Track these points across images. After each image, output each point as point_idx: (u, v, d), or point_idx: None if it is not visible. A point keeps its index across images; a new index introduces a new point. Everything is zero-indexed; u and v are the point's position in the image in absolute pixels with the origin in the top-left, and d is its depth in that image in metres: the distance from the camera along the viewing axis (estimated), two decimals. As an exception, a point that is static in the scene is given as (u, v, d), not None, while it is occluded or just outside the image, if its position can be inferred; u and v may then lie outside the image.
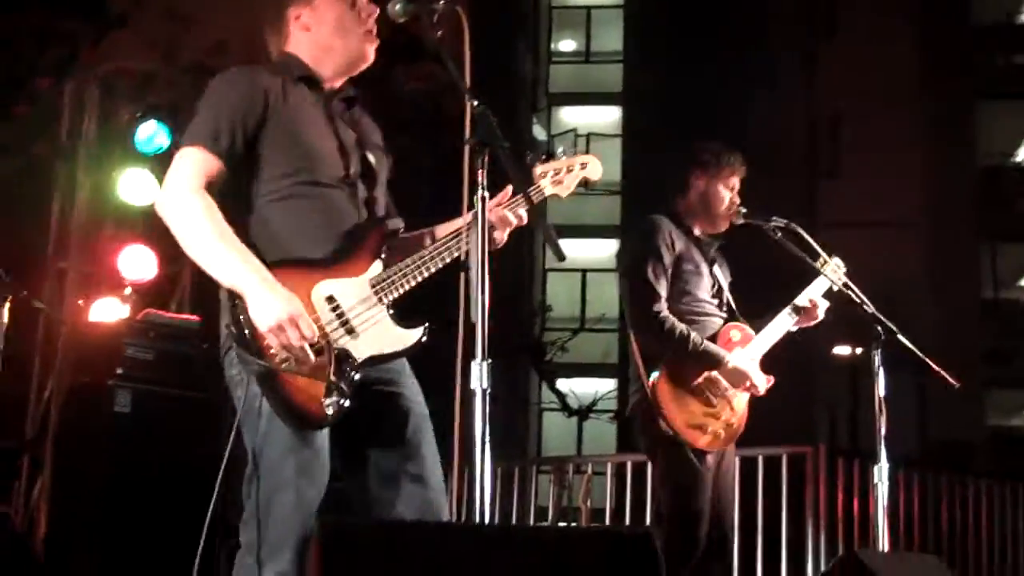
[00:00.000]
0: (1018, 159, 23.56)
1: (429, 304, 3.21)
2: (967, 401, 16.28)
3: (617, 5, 26.39)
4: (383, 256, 3.17)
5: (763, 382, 4.70)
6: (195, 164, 3.12)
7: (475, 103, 2.94)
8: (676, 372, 4.58)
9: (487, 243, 2.92)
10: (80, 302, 6.97)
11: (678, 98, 19.98)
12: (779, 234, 4.73)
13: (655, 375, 4.57)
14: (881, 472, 4.58)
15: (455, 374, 2.90)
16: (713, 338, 4.70)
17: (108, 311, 6.88)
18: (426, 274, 3.17)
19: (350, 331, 3.07)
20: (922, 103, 21.40)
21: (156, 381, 5.84)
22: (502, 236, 3.31)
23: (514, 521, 8.76)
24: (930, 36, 21.89)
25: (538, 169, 3.43)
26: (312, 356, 2.98)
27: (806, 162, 21.06)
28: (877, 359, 4.62)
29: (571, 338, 22.34)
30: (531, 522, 8.92)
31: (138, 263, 7.02)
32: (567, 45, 27.49)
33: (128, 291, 6.89)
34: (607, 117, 26.06)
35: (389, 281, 3.13)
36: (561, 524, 8.58)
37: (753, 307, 4.91)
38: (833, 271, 4.75)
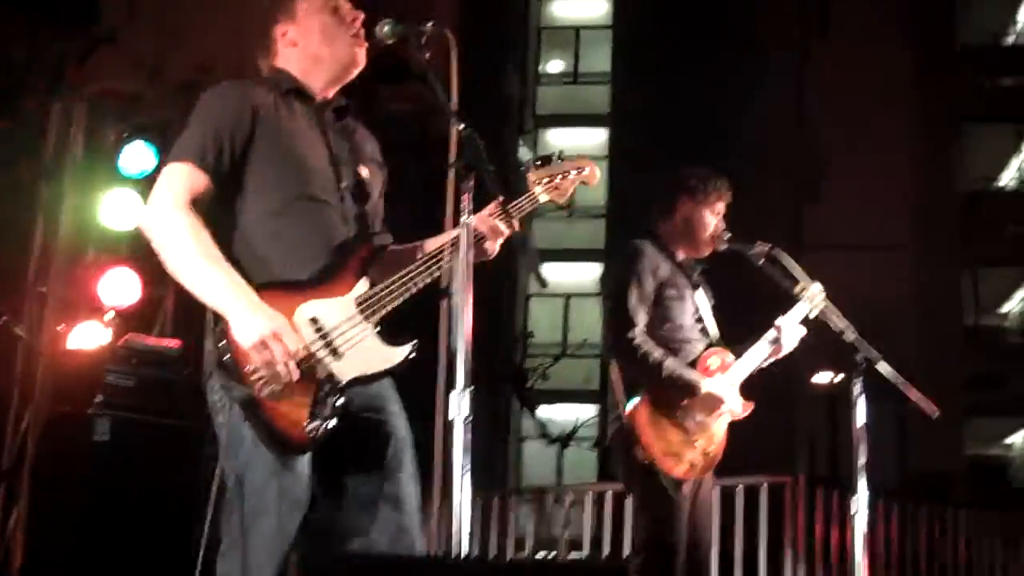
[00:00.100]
0: (1001, 183, 23.59)
1: (416, 324, 3.20)
2: (947, 429, 16.25)
3: (606, 26, 26.43)
4: (369, 274, 3.14)
5: (739, 406, 4.70)
6: (182, 180, 3.11)
7: (461, 126, 2.95)
8: (654, 400, 4.58)
9: (476, 257, 2.94)
10: (60, 327, 6.93)
11: (665, 120, 20.01)
12: (762, 260, 4.73)
13: (633, 403, 4.57)
14: (860, 502, 4.57)
15: (436, 403, 2.90)
16: (693, 364, 4.70)
17: (89, 336, 6.84)
18: (413, 290, 3.13)
19: (334, 352, 3.04)
20: (907, 126, 21.46)
21: (136, 408, 5.79)
22: (493, 247, 3.27)
23: (493, 552, 8.72)
24: (916, 59, 21.96)
25: (532, 175, 3.39)
26: (296, 374, 2.96)
27: (792, 186, 21.08)
28: (857, 387, 4.60)
29: (552, 364, 22.28)
30: (511, 553, 8.88)
31: (120, 287, 6.97)
32: (555, 66, 27.51)
33: (110, 315, 6.85)
34: (594, 139, 26.07)
35: (376, 299, 3.10)
36: (540, 555, 8.57)
37: (736, 331, 4.92)
38: (811, 298, 4.75)
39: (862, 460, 4.54)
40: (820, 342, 4.84)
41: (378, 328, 3.11)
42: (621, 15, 25.74)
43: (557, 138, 26.55)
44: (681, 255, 4.87)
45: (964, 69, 22.50)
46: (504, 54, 25.32)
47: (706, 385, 4.63)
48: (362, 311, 3.09)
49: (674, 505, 4.54)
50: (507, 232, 3.25)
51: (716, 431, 4.67)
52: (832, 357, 4.82)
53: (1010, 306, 23.26)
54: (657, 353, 4.60)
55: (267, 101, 3.24)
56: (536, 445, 23.47)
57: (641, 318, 4.65)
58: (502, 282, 22.35)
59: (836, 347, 4.63)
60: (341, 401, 3.03)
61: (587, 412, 21.79)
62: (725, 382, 4.68)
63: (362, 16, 3.31)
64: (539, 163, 3.41)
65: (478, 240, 3.18)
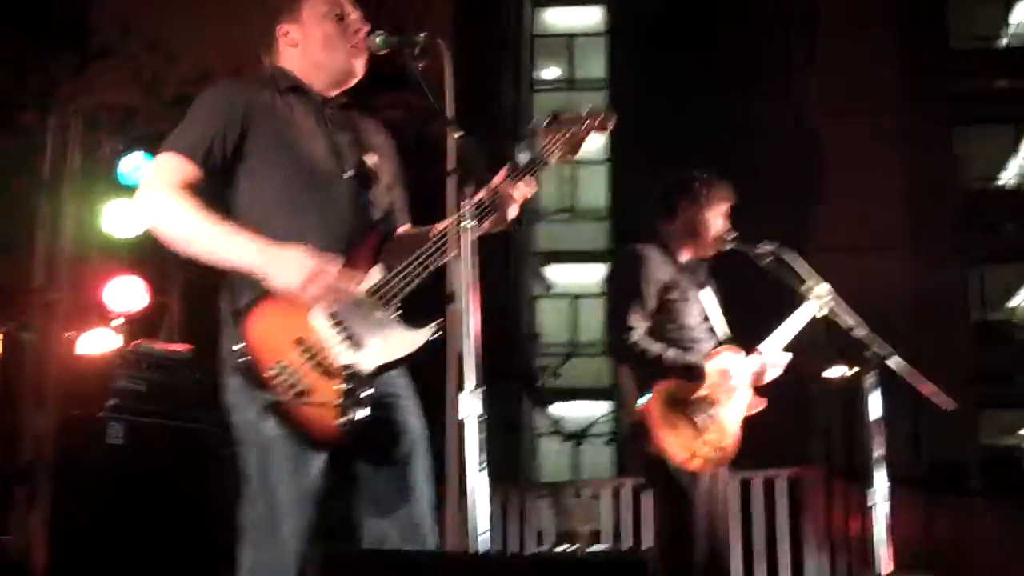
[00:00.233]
0: (1000, 182, 23.65)
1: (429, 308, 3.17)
2: (961, 421, 16.26)
3: (600, 33, 26.47)
4: (383, 260, 3.12)
5: (751, 374, 4.69)
6: (171, 168, 3.11)
7: (459, 133, 2.93)
8: (665, 396, 4.57)
9: (494, 226, 2.96)
10: (69, 334, 6.94)
11: (663, 123, 20.04)
12: (768, 260, 4.73)
13: (645, 400, 4.56)
14: (878, 493, 4.56)
15: (447, 405, 2.88)
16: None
17: (98, 342, 6.85)
18: (429, 271, 3.11)
19: (356, 344, 3.03)
20: (903, 126, 21.50)
21: (148, 412, 5.83)
22: (507, 213, 3.16)
23: (512, 547, 8.74)
24: (909, 60, 22.01)
25: (543, 136, 3.30)
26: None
27: (791, 187, 21.09)
28: (870, 381, 4.61)
29: (563, 363, 22.32)
30: (529, 548, 8.89)
31: (127, 293, 6.99)
32: (550, 73, 27.54)
33: (119, 322, 6.86)
34: (592, 143, 26.03)
35: (391, 285, 3.09)
36: (559, 549, 8.56)
37: (744, 330, 4.90)
38: (819, 296, 4.75)
39: (879, 452, 4.55)
40: (833, 337, 4.83)
41: (397, 313, 3.08)
42: (615, 22, 25.75)
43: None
44: (686, 256, 4.86)
45: (957, 71, 22.55)
46: (499, 62, 25.34)
47: (709, 364, 4.62)
48: (379, 298, 3.07)
49: (689, 499, 4.53)
50: (519, 196, 3.18)
51: (729, 427, 4.65)
52: (845, 352, 4.81)
53: (1017, 300, 23.30)
54: (656, 347, 4.61)
55: (264, 98, 3.23)
56: (552, 443, 23.51)
57: (640, 321, 4.65)
58: (507, 285, 22.37)
59: (848, 343, 4.63)
60: (369, 392, 3.00)
61: (601, 409, 21.82)
62: (738, 370, 4.67)
63: (366, 29, 3.28)
64: (549, 122, 3.32)
65: (493, 209, 3.11)
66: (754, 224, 4.83)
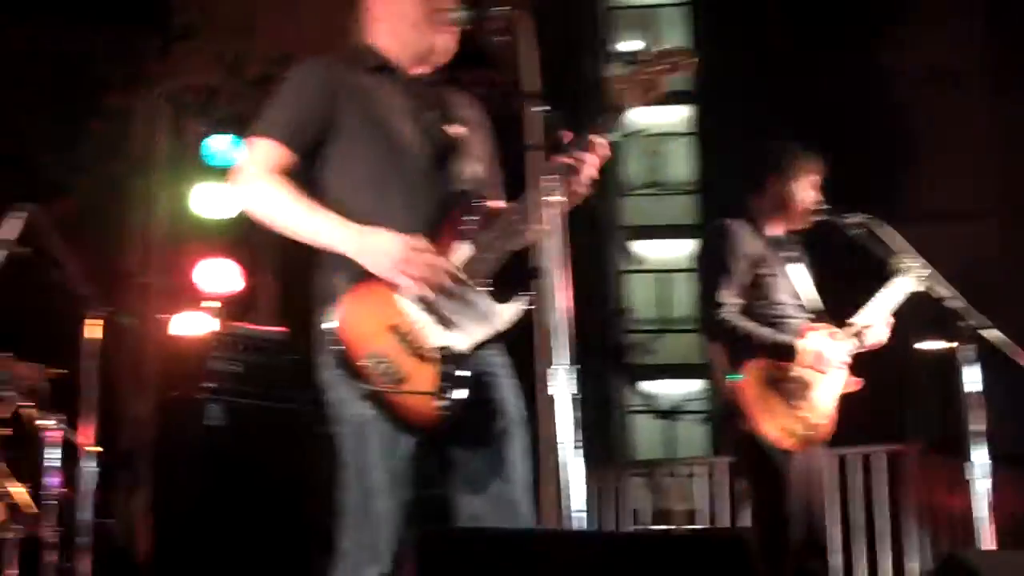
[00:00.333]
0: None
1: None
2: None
3: (683, 3, 26.26)
4: (470, 235, 3.11)
5: (845, 355, 4.63)
6: (264, 153, 3.13)
7: (539, 107, 2.92)
8: (759, 373, 4.53)
9: (570, 199, 2.91)
10: (165, 316, 7.05)
11: (749, 94, 19.85)
12: (858, 230, 4.66)
13: (738, 377, 4.52)
14: (976, 469, 4.49)
15: (538, 381, 2.88)
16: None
17: (193, 324, 6.94)
18: (517, 244, 3.08)
19: (446, 324, 3.03)
20: (995, 90, 21.06)
21: (246, 393, 5.91)
22: (581, 180, 3.08)
23: (607, 526, 8.74)
24: (1001, 22, 21.52)
25: (618, 82, 3.19)
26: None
27: (882, 155, 20.79)
28: (967, 354, 4.53)
29: (655, 339, 22.25)
30: (626, 526, 8.89)
31: (221, 275, 7.08)
32: (632, 45, 27.39)
33: (213, 304, 6.95)
34: (677, 116, 25.92)
35: (478, 259, 3.07)
36: (655, 528, 8.57)
37: (833, 304, 4.85)
38: (911, 269, 4.67)
39: (977, 426, 4.48)
40: (929, 310, 4.76)
41: (486, 288, 3.07)
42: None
43: (639, 116, 26.42)
44: (776, 230, 4.81)
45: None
46: (580, 35, 25.23)
47: (802, 343, 4.57)
48: (467, 275, 3.06)
49: (783, 477, 4.51)
50: (590, 161, 3.09)
51: (824, 405, 4.60)
52: (941, 325, 4.73)
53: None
54: (747, 325, 4.57)
55: (351, 76, 3.22)
56: (644, 419, 23.50)
57: (730, 297, 4.61)
58: (594, 261, 22.34)
59: (944, 315, 4.56)
60: (465, 371, 3.00)
61: (694, 387, 21.76)
62: (830, 345, 4.62)
63: (461, 7, 3.22)
64: (625, 66, 3.23)
65: (564, 179, 3.02)
66: (844, 194, 4.77)
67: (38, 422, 5.42)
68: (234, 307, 7.09)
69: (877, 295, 4.73)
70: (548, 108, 2.92)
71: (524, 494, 3.18)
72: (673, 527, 8.32)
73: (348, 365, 2.98)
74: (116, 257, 7.76)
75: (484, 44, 3.13)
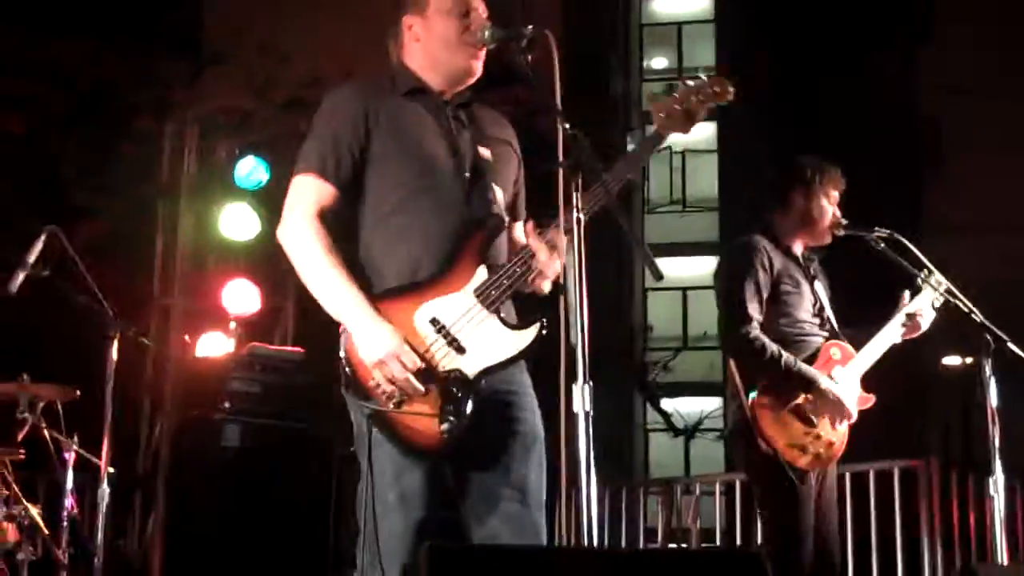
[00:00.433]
0: None
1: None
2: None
3: (708, 20, 26.25)
4: (488, 259, 3.13)
5: (854, 406, 4.61)
6: (308, 192, 3.17)
7: (567, 126, 2.92)
8: (775, 392, 4.51)
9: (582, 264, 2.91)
10: (186, 337, 7.09)
11: (773, 111, 19.81)
12: (882, 245, 4.64)
13: (753, 395, 4.50)
14: (996, 484, 4.46)
15: (559, 397, 2.87)
16: (813, 357, 4.62)
17: (213, 346, 6.98)
18: (535, 270, 3.09)
19: (458, 349, 3.05)
20: (1020, 99, 20.92)
21: (263, 414, 5.92)
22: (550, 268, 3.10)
23: (623, 543, 8.71)
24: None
25: (655, 110, 3.22)
26: (420, 386, 2.99)
27: (910, 167, 20.69)
28: (988, 368, 4.50)
29: (674, 357, 22.18)
30: (640, 544, 8.86)
31: (241, 297, 7.11)
32: (659, 62, 27.37)
33: (233, 325, 6.99)
34: (702, 132, 25.88)
35: (496, 285, 3.08)
36: (670, 546, 8.53)
37: (851, 320, 4.82)
38: (936, 284, 4.65)
39: (997, 441, 4.44)
40: (949, 325, 4.73)
41: (501, 315, 3.09)
42: (723, 9, 25.49)
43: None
44: (798, 246, 4.79)
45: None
46: (607, 52, 25.26)
47: (824, 382, 4.54)
48: (482, 300, 3.08)
49: (799, 496, 4.47)
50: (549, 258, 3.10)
51: (839, 423, 4.58)
52: (962, 340, 4.70)
53: None
54: (774, 347, 4.53)
55: (384, 100, 3.25)
56: (663, 437, 23.40)
57: (756, 313, 4.58)
58: (618, 278, 22.31)
59: (965, 330, 4.53)
60: (471, 397, 3.02)
61: (712, 404, 21.66)
62: (846, 375, 4.59)
63: (489, 26, 3.25)
64: (663, 94, 3.24)
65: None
66: (870, 209, 4.74)
67: (54, 442, 5.48)
68: (254, 328, 7.13)
69: (899, 311, 4.70)
70: (573, 127, 2.91)
71: (538, 512, 3.18)
72: (688, 545, 8.27)
73: (357, 384, 3.03)
74: (140, 279, 7.80)
75: (511, 63, 3.13)
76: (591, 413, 2.75)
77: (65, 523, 5.23)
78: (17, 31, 12.87)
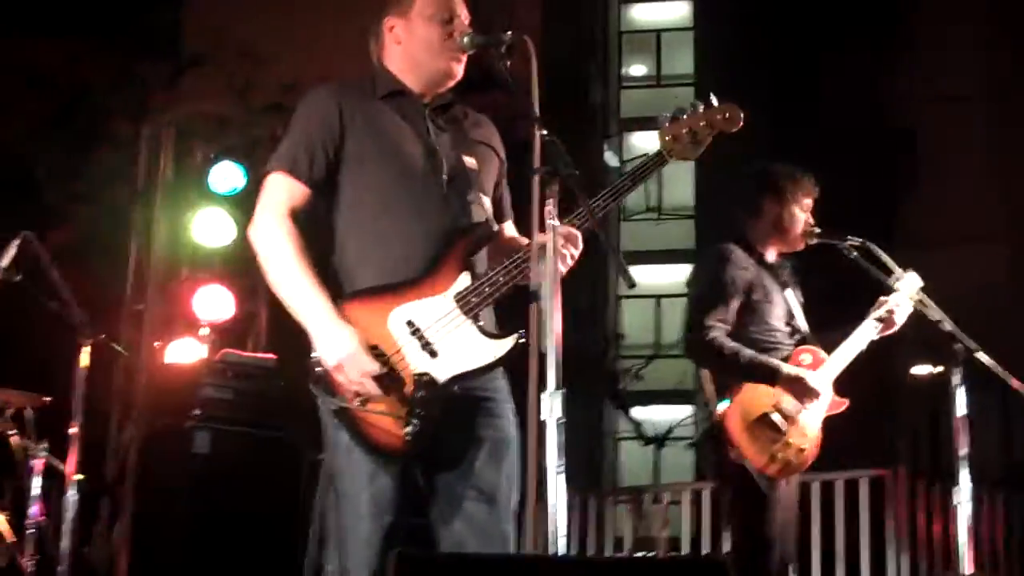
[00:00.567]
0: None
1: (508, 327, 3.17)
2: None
3: (687, 28, 26.30)
4: (471, 266, 3.14)
5: (828, 388, 4.63)
6: (279, 191, 3.19)
7: (544, 132, 2.93)
8: (746, 400, 4.53)
9: (558, 271, 2.91)
10: (157, 344, 7.07)
11: (750, 120, 19.86)
12: (854, 253, 4.67)
13: (724, 405, 4.52)
14: (962, 494, 4.49)
15: (528, 404, 2.87)
16: (785, 362, 4.65)
17: (185, 352, 6.96)
18: (517, 279, 3.09)
19: (431, 353, 3.05)
20: (998, 114, 21.03)
21: (234, 421, 5.90)
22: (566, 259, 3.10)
23: (591, 552, 8.71)
24: (1003, 47, 21.51)
25: (663, 133, 3.24)
26: (378, 390, 2.99)
27: (883, 179, 20.77)
28: (957, 378, 4.53)
29: (645, 365, 22.17)
30: (608, 553, 8.85)
31: (214, 303, 7.09)
32: (638, 70, 27.40)
33: (205, 331, 6.97)
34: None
35: (476, 292, 3.09)
36: (638, 554, 8.52)
37: (823, 326, 4.85)
38: (908, 288, 4.67)
39: (964, 451, 4.47)
40: (919, 334, 4.76)
41: (479, 323, 3.10)
42: (702, 17, 25.55)
43: (642, 141, 26.44)
44: (771, 254, 4.82)
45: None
46: (586, 59, 25.28)
47: (787, 368, 4.57)
48: (462, 306, 3.09)
49: (768, 503, 4.50)
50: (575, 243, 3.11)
51: (809, 430, 4.60)
52: (931, 349, 4.73)
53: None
54: (733, 345, 4.55)
55: (360, 103, 3.27)
56: (633, 446, 23.38)
57: (718, 318, 4.60)
58: (592, 285, 22.30)
59: (934, 338, 4.56)
60: (440, 402, 3.02)
61: (683, 412, 21.66)
62: (818, 380, 4.61)
63: (469, 32, 3.27)
64: (671, 118, 3.26)
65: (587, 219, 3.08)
66: (845, 219, 4.77)
67: (22, 449, 5.45)
68: (227, 334, 7.10)
69: (869, 317, 4.73)
70: (550, 134, 2.93)
71: (507, 522, 3.18)
72: (655, 553, 8.27)
73: (325, 382, 3.03)
74: (112, 284, 7.77)
75: (490, 68, 3.14)
76: (564, 420, 2.75)
77: (31, 531, 5.21)
78: (-8, 32, 12.80)
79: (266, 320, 7.45)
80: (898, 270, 4.67)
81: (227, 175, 7.09)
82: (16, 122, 13.57)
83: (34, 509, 5.26)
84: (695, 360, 4.73)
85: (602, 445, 23.91)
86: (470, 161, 3.30)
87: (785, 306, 4.77)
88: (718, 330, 4.57)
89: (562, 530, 2.73)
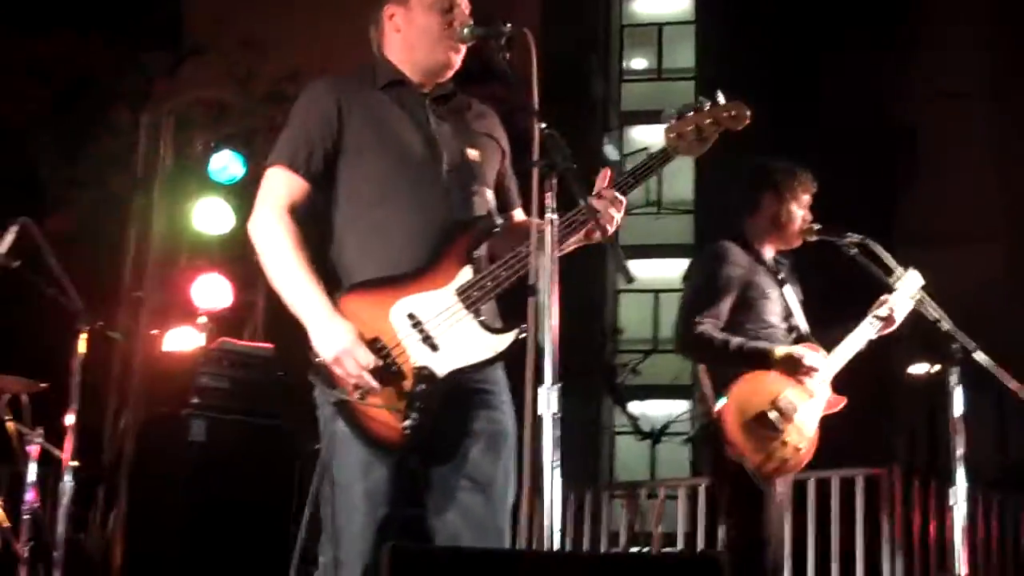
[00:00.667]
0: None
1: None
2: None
3: (688, 22, 26.29)
4: (473, 260, 3.13)
5: (824, 407, 4.62)
6: (279, 185, 3.18)
7: (543, 125, 2.92)
8: (742, 398, 4.52)
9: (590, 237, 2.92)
10: (155, 332, 7.07)
11: (752, 115, 19.82)
12: (854, 250, 4.66)
13: (722, 402, 4.51)
14: (958, 494, 4.48)
15: (525, 399, 2.87)
16: None
17: (183, 340, 6.96)
18: (520, 273, 3.07)
19: (432, 346, 3.04)
20: (998, 112, 21.02)
21: (231, 409, 5.92)
22: (614, 221, 3.12)
23: (586, 547, 8.71)
24: (1005, 44, 21.50)
25: (670, 130, 3.23)
26: (375, 384, 2.99)
27: (882, 177, 20.76)
28: (954, 377, 4.52)
29: (644, 359, 22.18)
30: (603, 548, 8.85)
31: (212, 291, 7.10)
32: (638, 63, 27.39)
33: (203, 319, 6.98)
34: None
35: (479, 286, 3.08)
36: (633, 550, 8.52)
37: (822, 323, 4.84)
38: (909, 286, 4.66)
39: (960, 450, 4.46)
40: (916, 332, 4.75)
41: (481, 317, 3.09)
42: (703, 11, 25.53)
43: (642, 135, 26.45)
44: (770, 251, 4.80)
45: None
46: (587, 52, 25.26)
47: (779, 349, 4.55)
48: (463, 300, 3.08)
49: (764, 501, 4.49)
50: (615, 208, 3.12)
51: (807, 428, 4.59)
52: (928, 347, 4.72)
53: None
54: (722, 335, 4.54)
55: (360, 92, 3.26)
56: (629, 440, 23.40)
57: (711, 313, 4.58)
58: (591, 279, 22.30)
59: (932, 337, 4.55)
60: (439, 396, 3.02)
61: (680, 407, 21.68)
62: (811, 352, 4.61)
63: (469, 23, 3.26)
64: (678, 115, 3.25)
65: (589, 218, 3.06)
66: (844, 216, 4.76)
67: (18, 435, 5.45)
68: (225, 323, 7.11)
69: (869, 316, 4.71)
70: (549, 127, 2.92)
71: (503, 515, 3.18)
72: (649, 549, 8.28)
73: (325, 373, 3.03)
74: (111, 272, 7.78)
75: (490, 60, 3.13)
76: (559, 415, 2.75)
77: (26, 517, 5.21)
78: (-6, 21, 12.79)
79: (263, 309, 7.46)
80: (899, 268, 4.66)
81: (226, 164, 7.09)
82: (17, 109, 13.56)
83: (30, 495, 5.26)
84: (688, 356, 4.73)
85: (598, 439, 23.93)
86: (472, 153, 3.29)
87: (783, 303, 4.76)
88: (708, 325, 4.56)
89: (557, 524, 2.72)
